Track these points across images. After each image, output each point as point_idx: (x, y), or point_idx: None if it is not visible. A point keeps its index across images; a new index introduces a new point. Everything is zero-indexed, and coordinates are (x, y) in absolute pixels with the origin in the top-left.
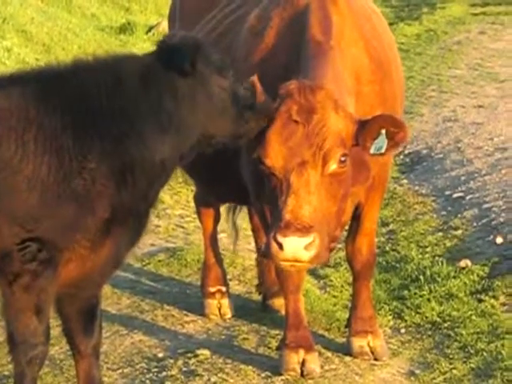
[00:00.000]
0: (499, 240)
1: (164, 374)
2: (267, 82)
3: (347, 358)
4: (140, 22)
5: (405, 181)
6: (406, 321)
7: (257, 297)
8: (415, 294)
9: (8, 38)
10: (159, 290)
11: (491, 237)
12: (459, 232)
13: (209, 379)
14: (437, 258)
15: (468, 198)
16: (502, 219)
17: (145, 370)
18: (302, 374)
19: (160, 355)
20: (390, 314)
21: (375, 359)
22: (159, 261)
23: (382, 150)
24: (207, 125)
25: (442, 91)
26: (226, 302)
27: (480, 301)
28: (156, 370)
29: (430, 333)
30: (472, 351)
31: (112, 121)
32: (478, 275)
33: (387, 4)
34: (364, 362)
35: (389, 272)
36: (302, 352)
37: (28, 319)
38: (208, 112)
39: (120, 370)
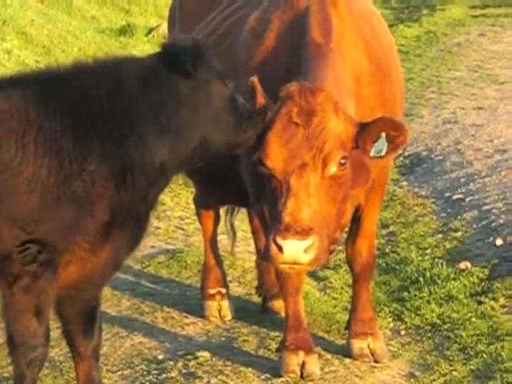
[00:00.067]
0: (499, 242)
1: (164, 376)
2: (267, 84)
3: (347, 360)
4: (140, 24)
5: (404, 183)
6: (405, 323)
7: (257, 299)
8: (415, 295)
9: (8, 40)
10: (159, 291)
11: (491, 239)
12: (459, 234)
13: (209, 381)
14: (437, 259)
15: (468, 199)
16: (501, 221)
17: (145, 372)
18: (301, 376)
19: (160, 357)
20: (390, 316)
21: (375, 361)
22: (159, 263)
23: (382, 153)
24: (207, 129)
25: (441, 93)
26: (225, 303)
27: (480, 303)
28: (156, 372)
29: (429, 335)
30: (472, 353)
31: (112, 123)
32: (477, 277)
33: (387, 6)
34: (364, 364)
35: (389, 274)
36: (301, 354)
37: (28, 321)
38: (208, 115)
39: (120, 372)
